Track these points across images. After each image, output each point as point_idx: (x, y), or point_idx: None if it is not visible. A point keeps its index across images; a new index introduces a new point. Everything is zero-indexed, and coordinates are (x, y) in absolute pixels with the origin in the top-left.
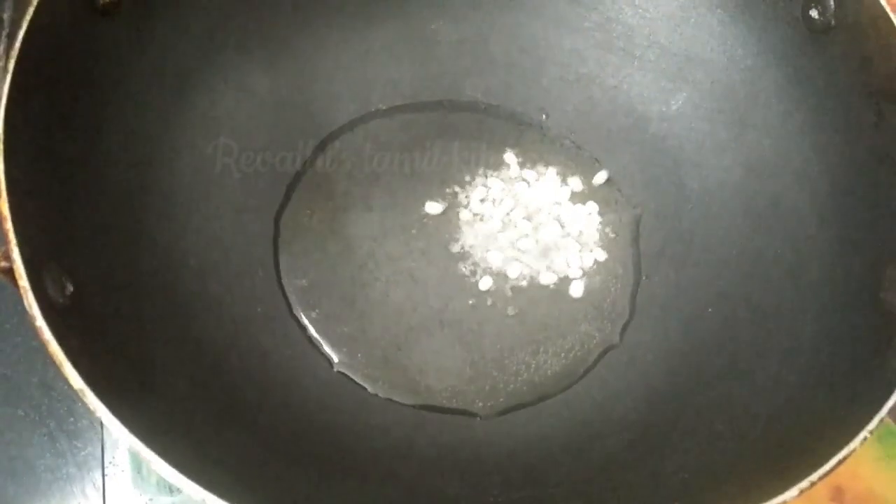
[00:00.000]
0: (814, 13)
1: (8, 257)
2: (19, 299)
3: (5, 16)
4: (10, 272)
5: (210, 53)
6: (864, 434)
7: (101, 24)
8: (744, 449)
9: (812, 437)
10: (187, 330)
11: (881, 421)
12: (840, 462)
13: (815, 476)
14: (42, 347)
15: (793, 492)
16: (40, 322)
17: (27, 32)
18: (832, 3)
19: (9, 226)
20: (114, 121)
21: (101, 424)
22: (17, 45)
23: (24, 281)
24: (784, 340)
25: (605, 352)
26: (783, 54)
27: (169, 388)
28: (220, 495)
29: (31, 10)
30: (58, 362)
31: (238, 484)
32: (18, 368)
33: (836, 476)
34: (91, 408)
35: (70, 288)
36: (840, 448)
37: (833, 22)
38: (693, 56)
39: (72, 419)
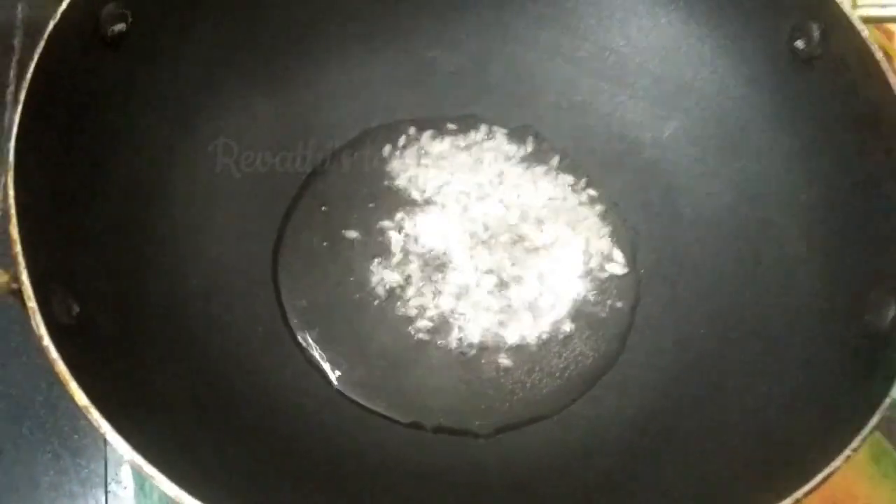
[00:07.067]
0: (799, 44)
1: (17, 279)
2: (24, 319)
3: (15, 42)
4: (18, 293)
5: (214, 82)
6: (847, 452)
7: (108, 54)
8: (732, 468)
9: (798, 456)
10: (189, 349)
11: (863, 440)
12: (824, 480)
13: (799, 493)
14: (47, 366)
15: None
16: (47, 342)
17: (38, 62)
18: (817, 34)
19: (18, 249)
20: (120, 148)
21: (105, 442)
22: (29, 75)
23: (31, 302)
24: (773, 361)
25: (599, 373)
26: (771, 83)
27: (171, 406)
28: None
29: (42, 44)
30: (63, 380)
31: (237, 499)
32: (23, 387)
33: (832, 495)
34: (95, 424)
35: (76, 309)
36: (823, 467)
37: (818, 52)
38: (684, 84)
39: (76, 437)
